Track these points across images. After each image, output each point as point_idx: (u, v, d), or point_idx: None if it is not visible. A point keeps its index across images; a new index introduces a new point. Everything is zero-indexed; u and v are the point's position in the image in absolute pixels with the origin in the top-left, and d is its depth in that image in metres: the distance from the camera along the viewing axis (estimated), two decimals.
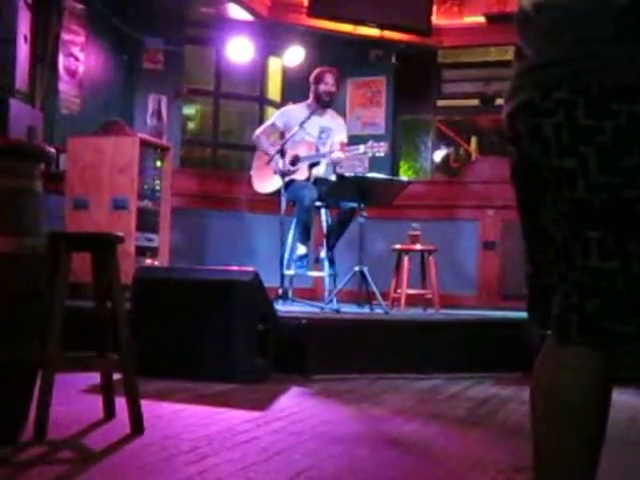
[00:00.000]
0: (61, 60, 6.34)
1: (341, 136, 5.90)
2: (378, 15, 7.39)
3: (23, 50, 5.77)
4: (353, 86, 7.91)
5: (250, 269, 4.25)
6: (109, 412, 2.95)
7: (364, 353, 4.57)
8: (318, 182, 5.70)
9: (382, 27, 7.48)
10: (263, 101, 8.16)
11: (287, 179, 5.57)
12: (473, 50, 8.02)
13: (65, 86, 6.41)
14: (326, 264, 5.74)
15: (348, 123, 6.83)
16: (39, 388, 2.58)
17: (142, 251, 5.71)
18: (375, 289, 5.43)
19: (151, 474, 2.25)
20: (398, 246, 5.98)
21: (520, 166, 1.48)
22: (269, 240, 6.54)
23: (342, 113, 6.89)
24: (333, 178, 5.69)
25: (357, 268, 5.41)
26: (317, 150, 5.78)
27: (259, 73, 8.07)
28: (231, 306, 4.10)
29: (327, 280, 5.82)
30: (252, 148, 6.35)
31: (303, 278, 6.06)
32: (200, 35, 7.79)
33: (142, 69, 7.27)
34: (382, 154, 5.50)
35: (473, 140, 10.58)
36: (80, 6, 6.52)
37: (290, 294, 5.64)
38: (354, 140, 5.95)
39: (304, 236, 5.58)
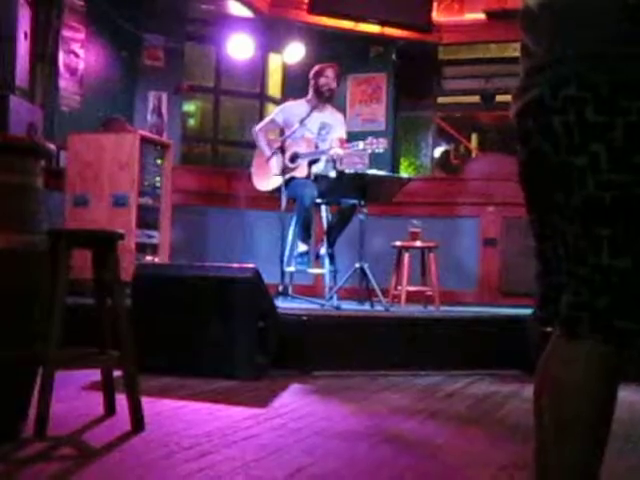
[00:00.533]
0: (61, 57, 6.33)
1: (340, 132, 5.89)
2: (378, 12, 7.39)
3: (23, 47, 5.77)
4: (353, 83, 7.91)
5: (250, 266, 4.25)
6: (109, 409, 2.95)
7: (364, 350, 4.57)
8: (318, 179, 5.70)
9: (382, 24, 7.48)
10: (263, 98, 8.16)
11: (287, 176, 5.57)
12: (473, 47, 8.02)
13: (65, 83, 6.40)
14: (326, 261, 5.74)
15: (348, 120, 6.83)
16: (39, 385, 2.58)
17: (142, 248, 5.72)
18: (375, 286, 5.43)
19: (151, 471, 2.25)
20: (398, 243, 5.98)
21: (529, 164, 1.48)
22: (269, 237, 6.55)
23: (342, 110, 6.89)
24: (333, 174, 5.68)
25: (357, 265, 5.41)
26: (316, 147, 5.77)
27: (259, 70, 8.07)
28: (231, 303, 4.10)
29: (327, 277, 5.82)
30: (252, 145, 6.35)
31: (303, 275, 6.06)
32: (200, 32, 7.79)
33: (142, 66, 7.27)
34: (381, 150, 5.50)
35: (473, 137, 10.59)
36: (80, 3, 6.52)
37: (290, 291, 5.64)
38: (354, 137, 5.94)
39: (305, 234, 5.59)
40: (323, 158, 5.76)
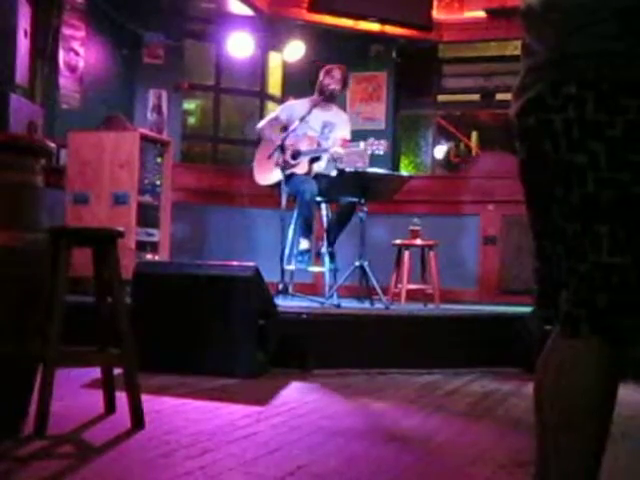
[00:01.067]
0: (61, 55, 6.33)
1: (344, 132, 5.90)
2: (379, 10, 7.39)
3: (23, 45, 5.77)
4: (354, 81, 7.88)
5: (250, 264, 4.25)
6: (110, 407, 2.95)
7: (364, 348, 4.57)
8: (318, 177, 5.70)
9: (383, 22, 7.48)
10: (263, 96, 8.15)
11: (287, 172, 5.58)
12: (474, 45, 8.02)
13: (65, 81, 6.40)
14: (326, 259, 5.74)
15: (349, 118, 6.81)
16: (40, 383, 2.58)
17: (142, 246, 5.72)
18: (375, 284, 5.43)
19: (152, 469, 2.25)
20: (398, 241, 5.99)
21: (529, 162, 1.48)
22: (269, 235, 6.55)
23: (343, 108, 6.89)
24: (334, 174, 5.69)
25: (357, 263, 5.41)
26: (319, 145, 5.78)
27: (259, 68, 8.06)
28: (231, 301, 4.10)
29: (327, 275, 5.82)
30: (252, 143, 6.35)
31: (303, 273, 6.07)
32: (200, 30, 7.79)
33: (142, 64, 7.27)
34: (381, 152, 5.50)
35: (474, 135, 10.57)
36: (80, 1, 6.52)
37: (290, 289, 5.64)
38: (355, 135, 5.94)
39: (306, 230, 5.59)
40: (325, 157, 5.76)
